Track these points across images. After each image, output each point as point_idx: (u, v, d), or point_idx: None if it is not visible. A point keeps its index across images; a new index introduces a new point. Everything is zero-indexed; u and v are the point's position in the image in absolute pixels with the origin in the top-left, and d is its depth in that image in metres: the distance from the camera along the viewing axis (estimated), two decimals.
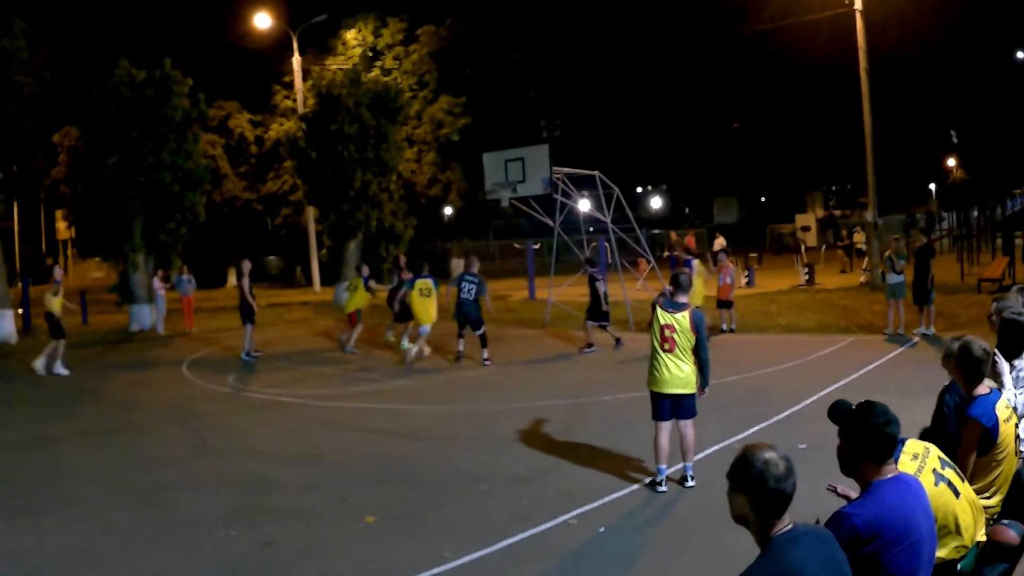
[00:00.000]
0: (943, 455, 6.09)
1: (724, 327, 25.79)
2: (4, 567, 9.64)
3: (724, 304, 26.07)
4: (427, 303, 23.15)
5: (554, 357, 23.51)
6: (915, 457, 5.88)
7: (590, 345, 24.02)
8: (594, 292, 24.05)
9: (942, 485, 5.79)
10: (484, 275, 23.99)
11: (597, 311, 24.04)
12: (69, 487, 12.73)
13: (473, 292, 22.79)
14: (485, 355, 23.13)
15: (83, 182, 35.44)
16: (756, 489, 4.29)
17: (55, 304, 23.98)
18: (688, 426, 11.31)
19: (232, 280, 62.57)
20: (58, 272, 25.08)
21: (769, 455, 4.32)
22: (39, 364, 24.21)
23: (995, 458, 6.99)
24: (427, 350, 24.31)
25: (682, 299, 11.42)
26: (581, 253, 29.89)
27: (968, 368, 7.34)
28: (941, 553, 5.69)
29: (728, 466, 4.50)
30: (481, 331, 23.17)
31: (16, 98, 31.78)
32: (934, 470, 5.84)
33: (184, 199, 34.23)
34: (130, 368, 25.18)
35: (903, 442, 5.99)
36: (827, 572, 4.29)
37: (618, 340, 24.13)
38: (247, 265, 25.55)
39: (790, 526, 4.31)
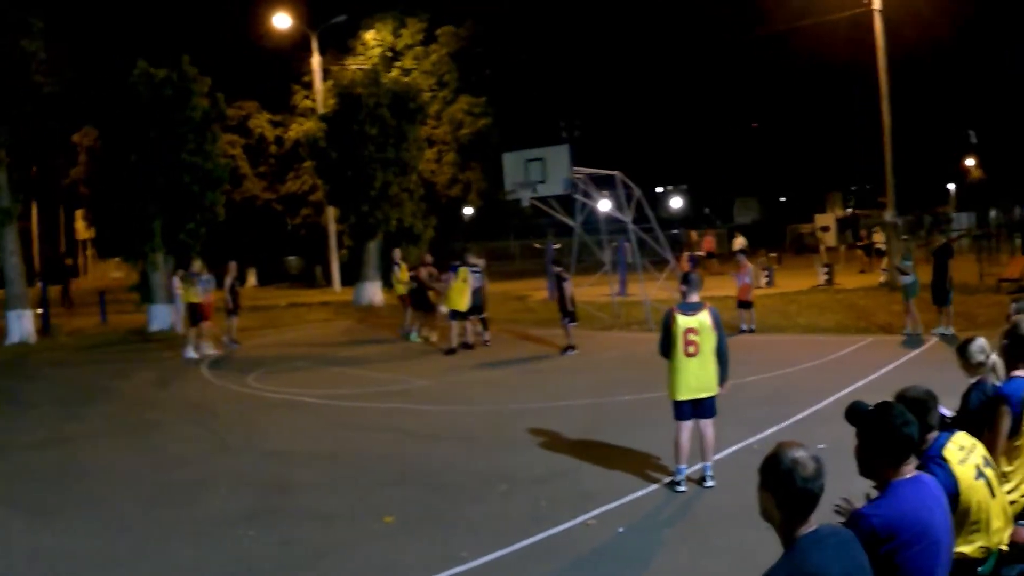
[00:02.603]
0: (988, 456, 6.08)
1: (744, 327, 25.71)
2: (21, 566, 9.69)
3: (743, 304, 26.02)
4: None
5: (574, 357, 23.50)
6: (961, 448, 5.90)
7: (571, 347, 24.15)
8: (562, 292, 24.36)
9: (981, 481, 5.80)
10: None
11: (564, 310, 24.32)
12: (86, 486, 12.78)
13: (480, 280, 25.37)
14: (486, 336, 26.39)
15: (102, 182, 35.50)
16: (782, 487, 4.25)
17: (192, 295, 26.23)
18: (708, 426, 11.25)
19: (252, 280, 62.84)
20: (195, 265, 27.26)
21: (799, 454, 4.30)
22: (189, 352, 26.42)
23: (1017, 445, 6.99)
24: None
25: (695, 298, 11.34)
26: (600, 253, 30.00)
27: (1015, 347, 7.37)
28: (966, 549, 5.69)
29: (747, 466, 4.49)
30: (483, 315, 26.30)
31: (35, 99, 31.80)
32: (976, 465, 5.84)
33: (203, 199, 34.26)
34: (149, 368, 25.24)
35: (952, 432, 6.01)
36: (848, 574, 4.27)
37: (571, 347, 24.31)
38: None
39: (815, 527, 4.27)
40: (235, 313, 28.59)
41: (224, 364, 25.16)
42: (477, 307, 25.84)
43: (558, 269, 25.07)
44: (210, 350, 26.80)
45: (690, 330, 11.04)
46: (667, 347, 11.22)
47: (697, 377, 11.10)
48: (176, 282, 33.34)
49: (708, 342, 11.11)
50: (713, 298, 29.34)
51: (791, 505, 4.24)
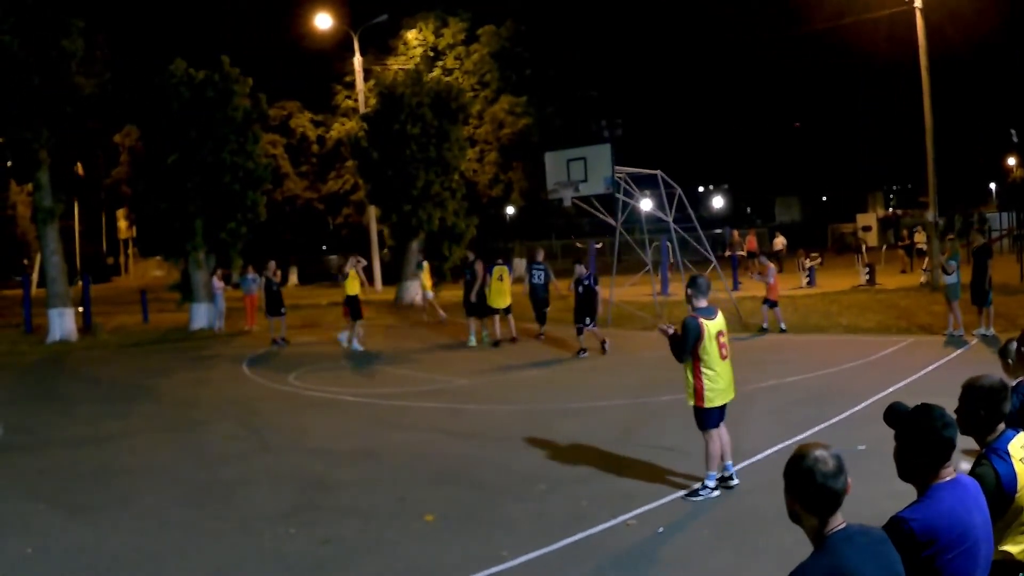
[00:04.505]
0: None
1: (783, 327, 25.70)
2: (62, 563, 9.76)
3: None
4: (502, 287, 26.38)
5: (614, 357, 23.47)
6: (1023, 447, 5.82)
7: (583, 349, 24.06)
8: (591, 294, 23.87)
9: None
10: None
11: (586, 311, 23.88)
12: (127, 484, 12.86)
13: (542, 278, 26.24)
14: (541, 332, 27.21)
15: (144, 182, 35.65)
16: (804, 486, 4.27)
17: (355, 287, 26.78)
18: (724, 428, 11.26)
19: (293, 279, 63.18)
20: (351, 260, 27.67)
21: (818, 452, 4.29)
22: (342, 337, 27.73)
23: None
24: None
25: (705, 303, 11.20)
26: (643, 252, 29.98)
27: None
28: (1012, 549, 5.60)
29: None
30: (545, 310, 27.06)
31: (75, 99, 31.87)
32: None
33: (245, 198, 34.35)
34: (190, 366, 25.40)
35: (1019, 430, 5.93)
36: (880, 572, 4.26)
37: (584, 350, 24.05)
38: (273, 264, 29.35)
39: (843, 525, 4.27)
40: (279, 314, 28.97)
41: (265, 363, 25.27)
42: (545, 301, 26.95)
43: (588, 272, 24.46)
44: (359, 345, 26.99)
45: (720, 333, 11.02)
46: (688, 352, 10.96)
47: (729, 378, 11.14)
48: (216, 282, 33.62)
49: (729, 343, 11.15)
50: (754, 299, 29.54)
51: (814, 503, 4.26)
